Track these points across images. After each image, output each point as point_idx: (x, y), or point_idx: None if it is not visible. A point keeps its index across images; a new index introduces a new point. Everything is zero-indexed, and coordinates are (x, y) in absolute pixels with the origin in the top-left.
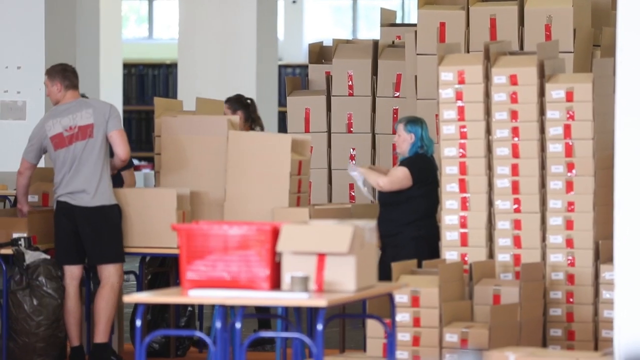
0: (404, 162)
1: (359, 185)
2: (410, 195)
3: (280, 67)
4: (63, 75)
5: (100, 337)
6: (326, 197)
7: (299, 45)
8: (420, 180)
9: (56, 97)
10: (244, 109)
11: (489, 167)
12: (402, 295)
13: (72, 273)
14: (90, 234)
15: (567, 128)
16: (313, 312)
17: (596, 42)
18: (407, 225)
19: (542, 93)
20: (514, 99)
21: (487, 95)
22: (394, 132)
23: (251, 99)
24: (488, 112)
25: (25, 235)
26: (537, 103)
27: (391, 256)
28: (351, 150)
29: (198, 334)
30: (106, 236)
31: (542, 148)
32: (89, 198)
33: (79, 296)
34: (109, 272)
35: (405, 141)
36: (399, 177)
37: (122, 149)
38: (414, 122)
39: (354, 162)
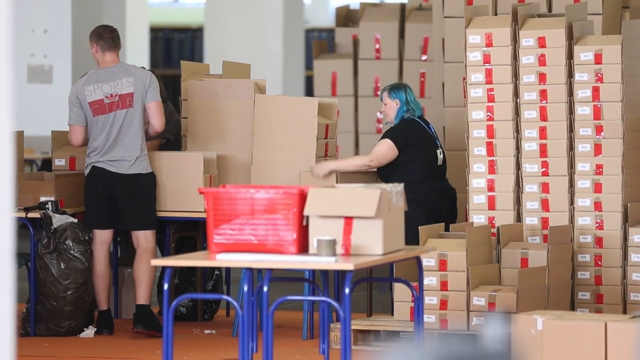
0: (386, 134)
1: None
2: (401, 162)
3: (306, 30)
4: (98, 36)
5: (144, 298)
6: None
7: (326, 8)
8: (406, 146)
9: (96, 59)
10: None
11: (517, 130)
12: (429, 259)
13: (102, 237)
14: (129, 201)
15: (595, 90)
16: (340, 275)
17: (625, 4)
18: None
19: (570, 55)
20: (542, 61)
21: (515, 57)
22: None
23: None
24: (516, 75)
25: (52, 198)
26: (565, 65)
27: None
28: (378, 114)
29: (225, 297)
30: (144, 203)
31: (570, 111)
32: (128, 165)
33: (108, 260)
34: (147, 238)
35: (391, 108)
36: (383, 152)
37: (158, 121)
38: (397, 87)
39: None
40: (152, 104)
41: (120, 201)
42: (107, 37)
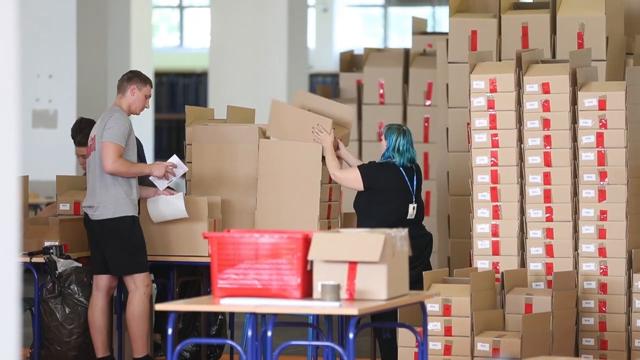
0: (362, 165)
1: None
2: (369, 201)
3: (311, 75)
4: None
5: (139, 351)
6: None
7: (330, 53)
8: (371, 186)
9: None
10: None
11: (521, 176)
12: (433, 304)
13: (99, 283)
14: (105, 246)
15: (599, 136)
16: (344, 320)
17: (629, 50)
18: None
19: (574, 101)
20: (546, 107)
21: (519, 103)
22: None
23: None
24: (520, 120)
25: (56, 243)
26: (569, 111)
27: None
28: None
29: (229, 342)
30: (118, 248)
31: (574, 156)
32: (92, 211)
33: (104, 307)
34: (133, 284)
35: (382, 146)
36: (348, 178)
37: (103, 162)
38: (391, 130)
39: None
40: (102, 144)
41: (102, 245)
42: (119, 81)
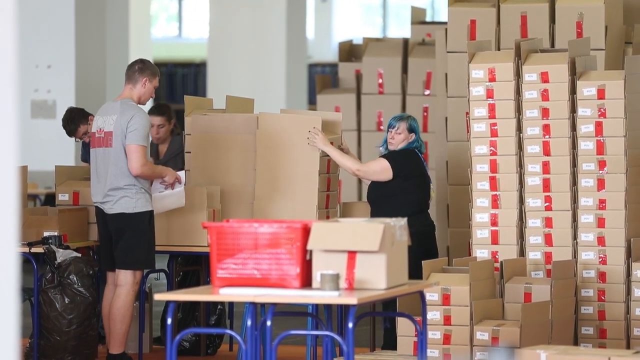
0: (386, 155)
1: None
2: (398, 188)
3: (310, 65)
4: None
5: (115, 347)
6: (356, 195)
7: (329, 43)
8: (403, 173)
9: None
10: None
11: (520, 165)
12: (432, 294)
13: (110, 278)
14: (116, 240)
15: (598, 125)
16: (343, 310)
17: (628, 39)
18: None
19: (573, 90)
20: (544, 96)
21: (518, 92)
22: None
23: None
24: (519, 110)
25: (55, 233)
26: (568, 100)
27: None
28: (381, 149)
29: (229, 332)
30: (125, 242)
31: (573, 145)
32: (110, 205)
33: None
34: (129, 279)
35: (404, 136)
36: (376, 170)
37: (131, 165)
38: (414, 120)
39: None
40: (127, 146)
41: (113, 240)
42: (127, 72)
